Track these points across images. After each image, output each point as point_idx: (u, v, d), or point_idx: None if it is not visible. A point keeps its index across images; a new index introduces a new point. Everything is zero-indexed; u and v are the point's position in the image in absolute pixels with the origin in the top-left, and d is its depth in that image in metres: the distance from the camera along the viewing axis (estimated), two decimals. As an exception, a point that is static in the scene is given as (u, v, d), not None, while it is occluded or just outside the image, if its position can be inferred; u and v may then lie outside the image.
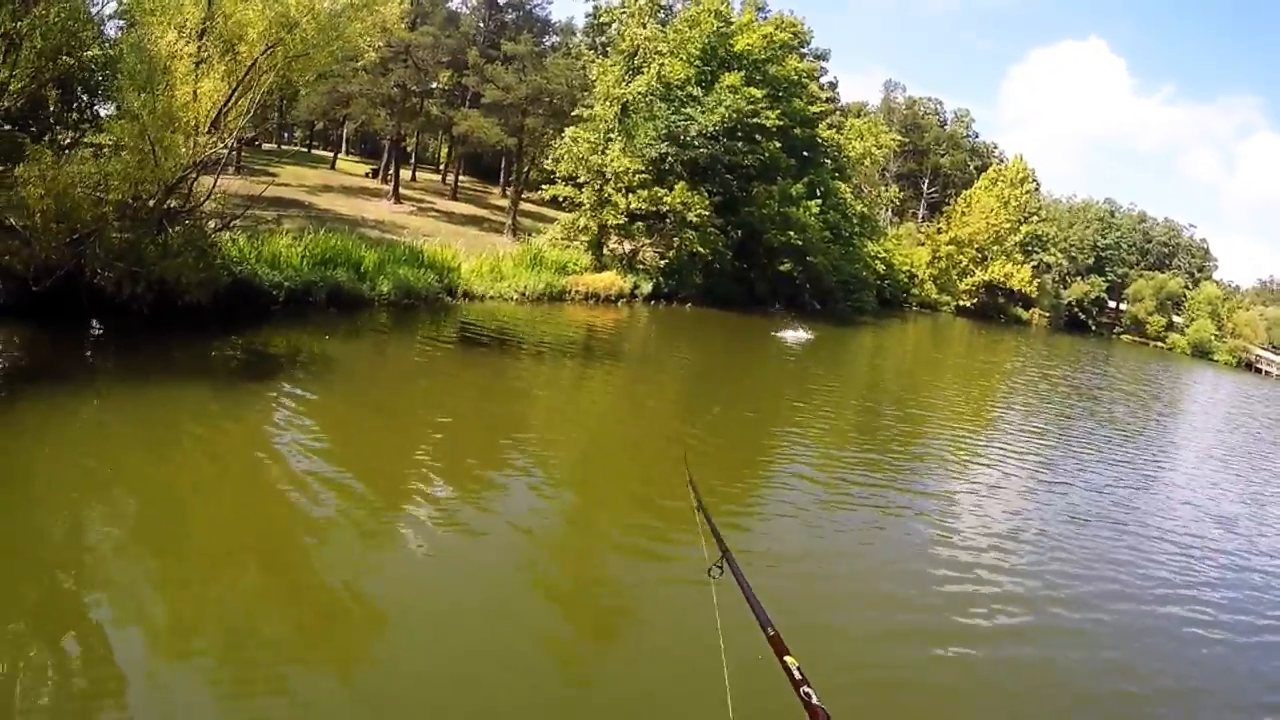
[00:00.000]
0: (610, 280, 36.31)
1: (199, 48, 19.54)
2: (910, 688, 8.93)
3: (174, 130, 18.16)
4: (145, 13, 18.99)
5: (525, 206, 52.35)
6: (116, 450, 11.59)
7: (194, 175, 19.56)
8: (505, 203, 51.01)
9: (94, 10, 20.77)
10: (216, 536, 9.65)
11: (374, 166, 59.83)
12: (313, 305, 22.42)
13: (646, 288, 38.82)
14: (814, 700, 1.39)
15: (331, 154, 65.29)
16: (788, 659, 1.64)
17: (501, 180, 62.76)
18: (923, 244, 79.83)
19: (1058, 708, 9.10)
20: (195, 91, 19.22)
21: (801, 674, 1.53)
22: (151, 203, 18.45)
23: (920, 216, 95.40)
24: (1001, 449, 21.93)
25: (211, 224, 21.06)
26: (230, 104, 19.81)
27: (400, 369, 19.61)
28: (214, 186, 20.57)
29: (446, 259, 28.88)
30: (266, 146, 65.08)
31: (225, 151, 21.22)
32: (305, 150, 70.14)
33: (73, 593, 8.02)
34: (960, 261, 78.46)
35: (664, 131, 39.95)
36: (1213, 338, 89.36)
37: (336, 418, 14.72)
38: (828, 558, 12.28)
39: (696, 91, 42.67)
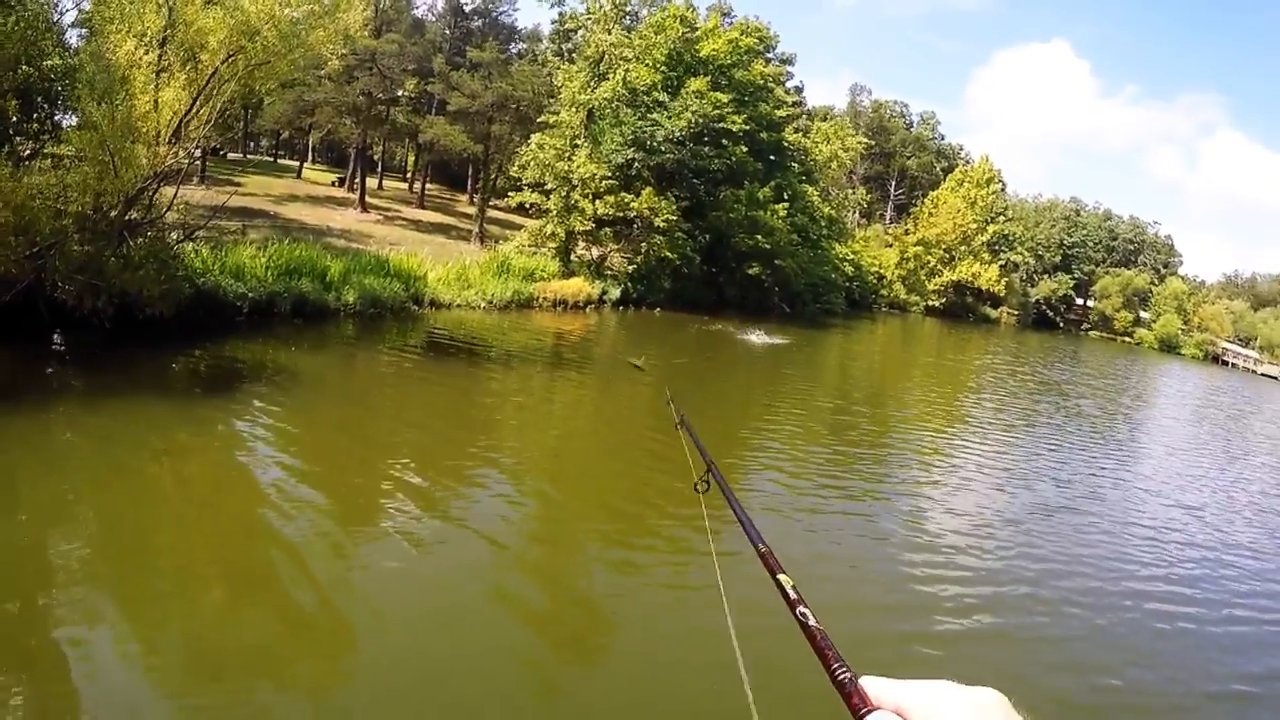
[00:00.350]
0: (578, 286, 36.28)
1: (159, 56, 19.42)
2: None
3: (134, 140, 17.96)
4: (104, 21, 18.85)
5: (493, 214, 52.24)
6: (79, 468, 11.43)
7: (155, 186, 19.41)
8: (473, 210, 50.96)
9: (54, 19, 20.63)
10: (183, 554, 9.53)
11: (340, 175, 59.56)
12: (277, 316, 22.26)
13: (615, 293, 38.84)
14: (811, 621, 1.30)
15: (298, 163, 64.85)
16: (781, 577, 1.56)
17: (469, 188, 62.67)
18: (891, 245, 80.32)
19: (1030, 690, 9.09)
20: (156, 101, 19.04)
21: (797, 593, 1.45)
22: (113, 214, 18.29)
23: (888, 218, 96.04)
24: (971, 444, 22.28)
25: (174, 235, 20.93)
26: (191, 113, 19.66)
27: (368, 379, 19.52)
28: (175, 197, 20.36)
29: (412, 268, 28.77)
30: (232, 156, 64.61)
31: (186, 162, 21.06)
32: (271, 160, 69.64)
33: (37, 613, 7.90)
34: (928, 262, 79.05)
35: (630, 137, 40.04)
36: (1180, 332, 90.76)
37: (304, 430, 14.63)
38: (797, 558, 12.17)
39: (663, 97, 42.85)
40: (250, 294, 21.69)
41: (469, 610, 9.21)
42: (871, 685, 1.00)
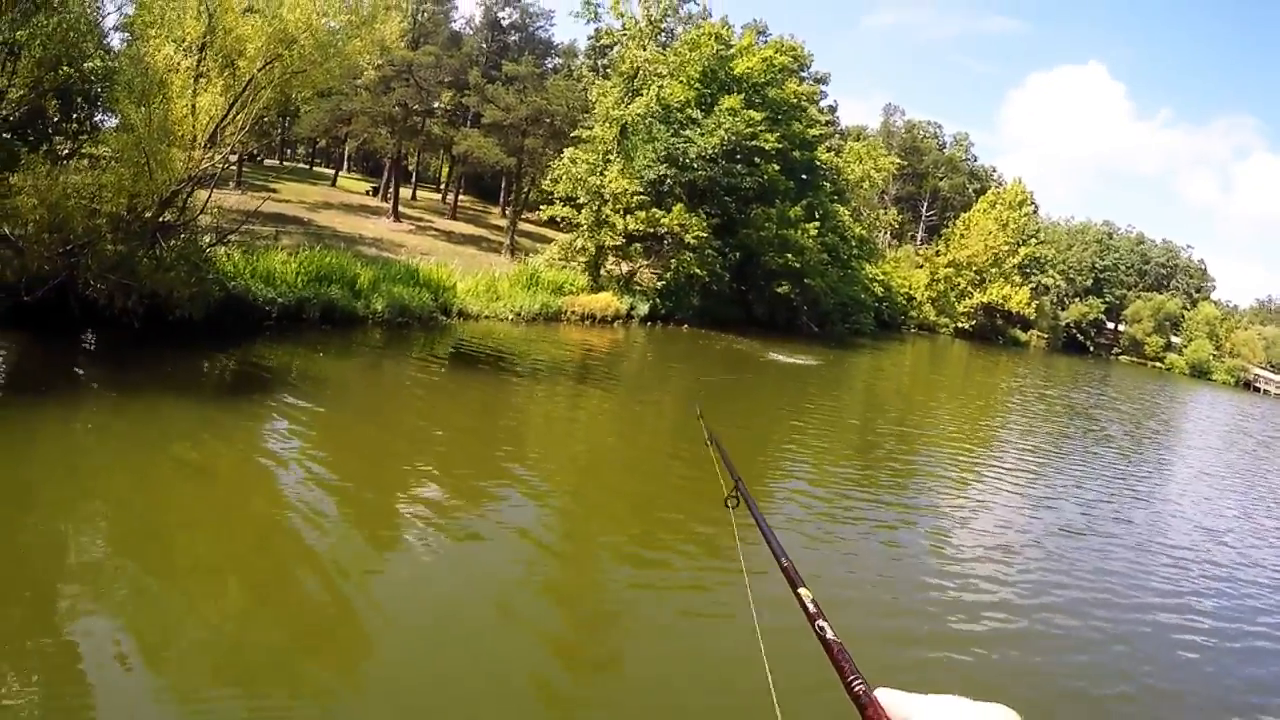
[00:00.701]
0: (606, 301, 36.24)
1: (198, 62, 19.66)
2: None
3: (169, 144, 18.16)
4: (144, 25, 19.10)
5: (524, 227, 52.48)
6: (104, 466, 11.49)
7: (189, 189, 19.61)
8: (504, 223, 51.19)
9: (96, 21, 20.92)
10: (201, 556, 9.48)
11: (375, 185, 59.94)
12: (306, 322, 22.36)
13: (643, 309, 38.74)
14: (829, 634, 1.32)
15: (333, 171, 65.42)
16: (801, 591, 1.59)
17: (501, 200, 62.97)
18: (921, 266, 79.97)
19: (1047, 707, 9.17)
20: (194, 105, 19.31)
21: (817, 607, 1.48)
22: (146, 215, 18.47)
23: (919, 239, 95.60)
24: (996, 467, 22.00)
25: (207, 238, 21.12)
26: (228, 119, 19.86)
27: (393, 388, 19.49)
28: (208, 200, 20.53)
29: (442, 278, 28.80)
30: (269, 163, 65.40)
31: (221, 167, 21.24)
32: (307, 167, 70.35)
33: (49, 611, 7.84)
34: (958, 284, 78.63)
35: (663, 153, 40.09)
36: (1211, 357, 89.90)
37: (326, 437, 14.57)
38: (820, 573, 12.10)
39: (696, 114, 42.90)
40: (280, 299, 21.80)
41: (487, 622, 9.10)
42: (886, 697, 1.03)
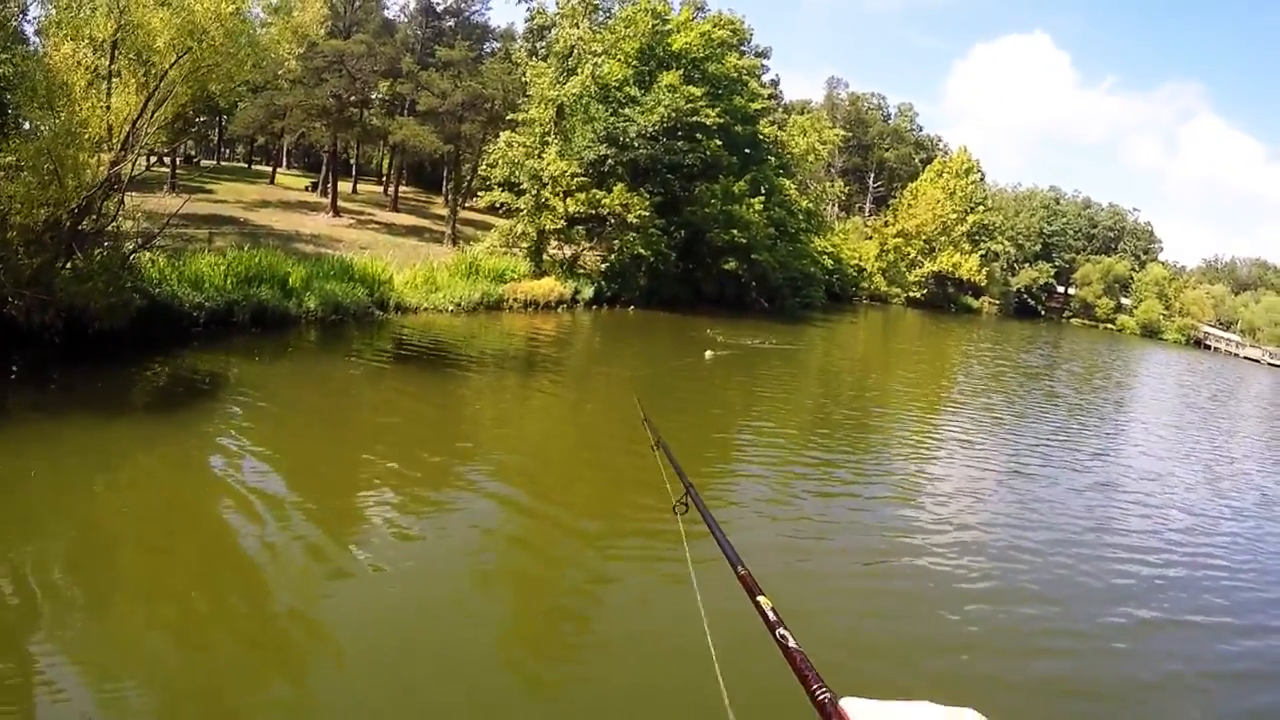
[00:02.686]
0: (549, 286, 35.78)
1: (110, 59, 18.99)
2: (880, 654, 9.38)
3: (78, 148, 17.47)
4: (50, 25, 18.42)
5: (468, 215, 51.85)
6: (29, 493, 10.99)
7: (105, 195, 18.89)
8: (447, 212, 50.44)
9: (13, 25, 20.08)
10: (151, 574, 9.35)
11: (314, 180, 58.83)
12: (236, 326, 21.70)
13: (588, 292, 38.28)
14: (791, 643, 1.26)
15: (271, 169, 64.13)
16: (761, 599, 1.54)
17: (444, 190, 62.10)
18: (870, 238, 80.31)
19: (1009, 661, 9.74)
20: (109, 106, 18.67)
21: (776, 615, 1.42)
22: (61, 225, 17.78)
23: (867, 210, 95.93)
24: (959, 430, 22.92)
25: (129, 245, 20.42)
26: (142, 118, 19.18)
27: (331, 387, 18.98)
28: (119, 206, 19.76)
29: (377, 271, 28.24)
30: (206, 163, 63.96)
31: (141, 169, 20.55)
32: (246, 166, 68.84)
33: (5, 636, 7.61)
34: (908, 253, 79.12)
35: (602, 133, 39.63)
36: (1161, 317, 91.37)
37: (265, 442, 14.13)
38: (793, 548, 12.38)
39: (635, 92, 42.41)
40: (207, 303, 21.15)
41: (447, 625, 9.04)
42: (852, 706, 1.03)
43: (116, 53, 19.24)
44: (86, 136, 17.82)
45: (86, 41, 18.24)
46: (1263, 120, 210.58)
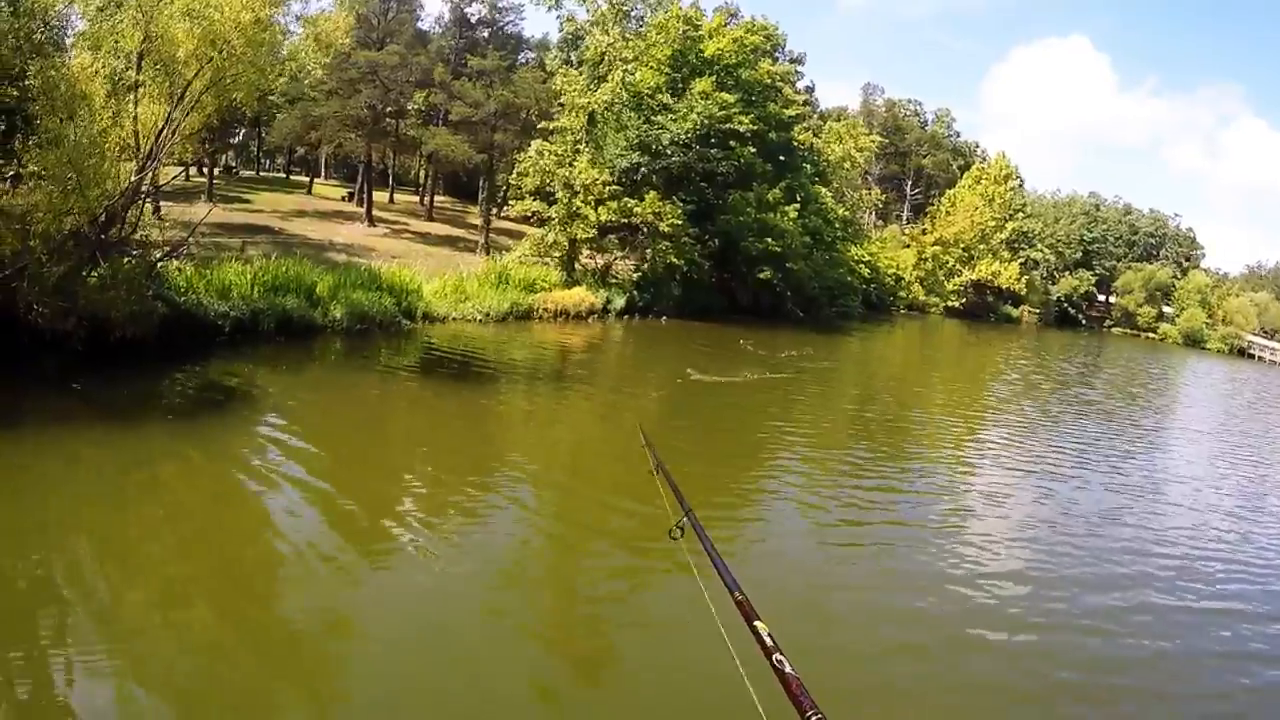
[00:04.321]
0: (580, 296, 35.41)
1: (137, 70, 19.03)
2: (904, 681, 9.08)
3: (100, 158, 17.39)
4: (80, 37, 18.47)
5: (503, 225, 51.85)
6: (52, 499, 10.82)
7: (125, 204, 18.79)
8: (480, 222, 50.42)
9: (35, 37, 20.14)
10: (177, 581, 9.18)
11: (350, 190, 59.19)
12: (261, 335, 21.53)
13: (619, 302, 37.85)
14: (787, 668, 1.35)
15: (309, 179, 64.62)
16: (758, 624, 1.58)
17: (480, 200, 62.18)
18: (908, 246, 79.19)
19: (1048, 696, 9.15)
20: (136, 115, 18.68)
21: (773, 640, 1.49)
22: (85, 233, 17.71)
23: (904, 219, 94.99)
24: (998, 443, 22.49)
25: (156, 254, 20.38)
26: (166, 129, 19.15)
27: (352, 396, 18.69)
28: (143, 215, 19.67)
29: (405, 281, 28.03)
30: (245, 174, 64.71)
31: (158, 179, 20.53)
32: (284, 176, 69.46)
33: (12, 648, 7.45)
34: (947, 262, 77.99)
35: (635, 141, 39.35)
36: (1204, 326, 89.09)
37: (283, 452, 13.83)
38: (821, 564, 12.25)
39: (667, 99, 42.07)
40: (232, 312, 21.00)
41: (473, 634, 8.99)
42: None
43: (143, 63, 19.30)
44: (108, 146, 17.76)
45: (109, 51, 18.29)
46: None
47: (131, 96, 19.23)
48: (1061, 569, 12.96)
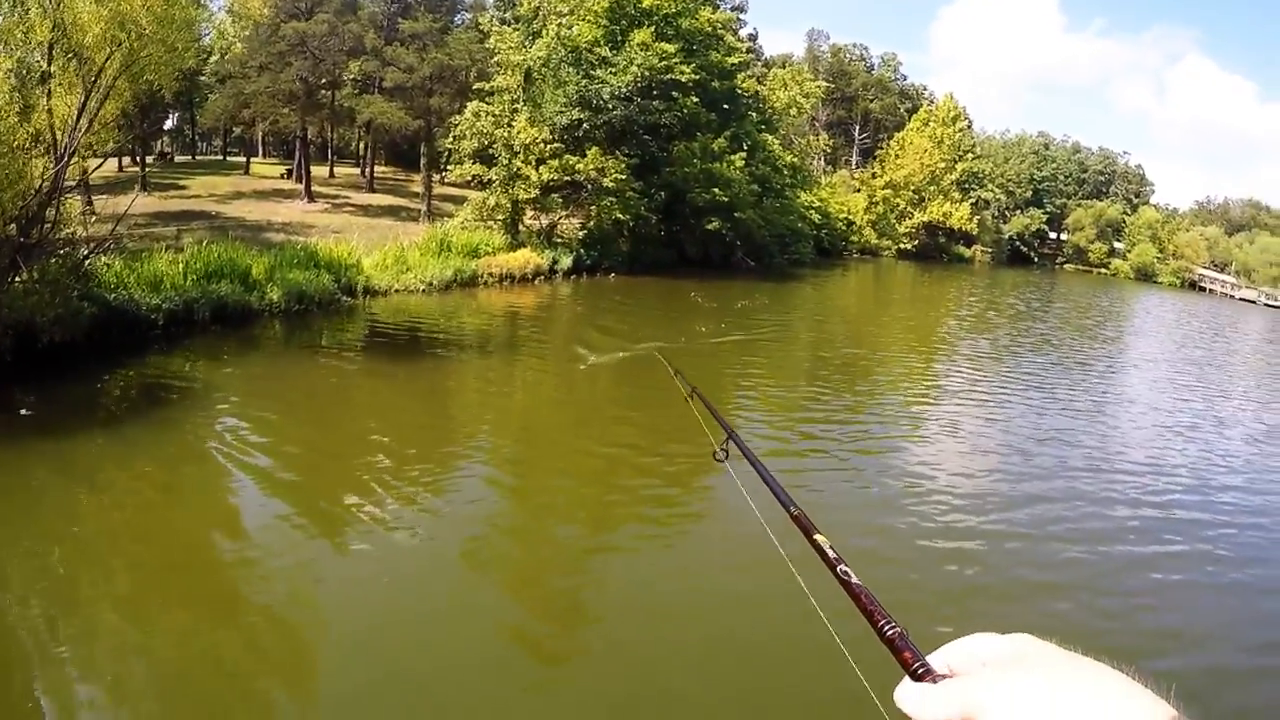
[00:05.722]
0: (525, 258, 34.95)
1: (47, 62, 18.28)
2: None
3: (9, 157, 16.65)
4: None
5: (447, 191, 51.12)
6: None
7: (41, 203, 18.07)
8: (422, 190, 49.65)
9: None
10: (137, 582, 9.16)
11: (289, 167, 57.96)
12: (196, 325, 20.91)
13: (566, 262, 37.35)
14: (854, 579, 1.21)
15: (245, 159, 63.20)
16: (818, 537, 1.45)
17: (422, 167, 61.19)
18: (858, 190, 79.46)
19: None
20: (50, 109, 17.99)
21: (835, 552, 1.35)
22: (5, 237, 17.02)
23: (853, 163, 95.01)
24: (961, 379, 23.74)
25: (83, 251, 19.71)
26: (81, 119, 18.45)
27: (302, 382, 18.22)
28: (60, 211, 18.86)
29: (343, 256, 27.45)
30: (181, 159, 63.14)
31: (80, 173, 19.80)
32: (221, 158, 67.92)
33: None
34: (897, 205, 78.37)
35: (574, 97, 38.81)
36: (1155, 260, 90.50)
37: (231, 444, 13.44)
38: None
39: (606, 52, 41.46)
40: (164, 304, 20.37)
41: (447, 611, 9.00)
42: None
43: (53, 52, 18.57)
44: (17, 143, 17.05)
45: (18, 45, 17.59)
46: (1254, 59, 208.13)
47: (43, 89, 18.51)
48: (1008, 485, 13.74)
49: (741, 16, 67.15)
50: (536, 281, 35.05)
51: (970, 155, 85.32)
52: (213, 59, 52.72)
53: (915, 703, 0.89)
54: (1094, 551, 11.61)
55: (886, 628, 1.07)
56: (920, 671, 0.93)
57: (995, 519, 12.57)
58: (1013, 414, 19.96)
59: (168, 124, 61.96)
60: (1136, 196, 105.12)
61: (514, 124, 37.22)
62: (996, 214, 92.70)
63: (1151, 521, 13.17)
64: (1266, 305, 76.21)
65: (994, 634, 0.91)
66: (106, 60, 18.23)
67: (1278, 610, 10.72)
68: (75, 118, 18.39)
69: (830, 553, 1.37)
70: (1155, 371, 29.39)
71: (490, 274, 32.98)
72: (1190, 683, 8.11)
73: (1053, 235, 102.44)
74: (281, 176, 55.41)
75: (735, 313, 32.25)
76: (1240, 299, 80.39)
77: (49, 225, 18.41)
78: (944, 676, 0.90)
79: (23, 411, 14.39)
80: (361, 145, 65.82)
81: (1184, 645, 9.40)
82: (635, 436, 15.41)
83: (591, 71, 40.15)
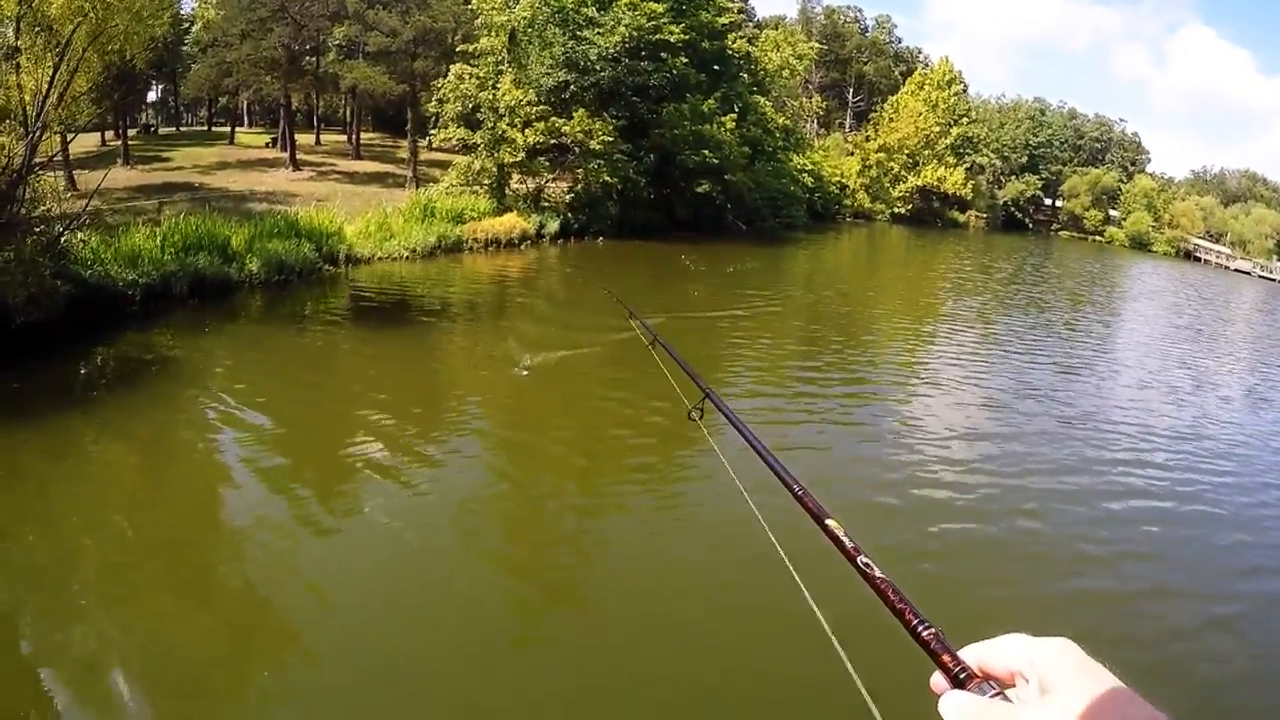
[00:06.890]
0: (511, 223, 34.50)
1: (15, 36, 17.80)
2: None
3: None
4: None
5: (434, 156, 50.55)
6: None
7: (14, 180, 17.65)
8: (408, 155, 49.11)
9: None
10: (123, 566, 8.95)
11: (274, 136, 57.23)
12: (175, 299, 20.43)
13: (553, 226, 36.92)
14: (877, 572, 1.08)
15: (230, 129, 62.38)
16: (829, 523, 1.27)
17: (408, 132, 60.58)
18: (852, 154, 78.91)
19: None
20: (19, 84, 17.53)
21: (852, 540, 1.19)
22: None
23: (847, 126, 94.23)
24: (956, 341, 24.30)
25: (58, 228, 19.26)
26: (51, 94, 17.99)
27: (285, 354, 17.91)
28: (26, 190, 18.42)
29: (324, 224, 26.94)
30: (166, 131, 62.38)
31: (62, 147, 19.42)
32: (206, 129, 67.07)
33: None
34: (892, 168, 77.90)
35: (561, 59, 38.22)
36: (1150, 229, 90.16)
37: (219, 421, 13.23)
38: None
39: (593, 12, 40.74)
40: (142, 279, 19.90)
41: (442, 581, 8.97)
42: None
43: (20, 26, 18.08)
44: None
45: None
46: (1254, 30, 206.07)
47: (11, 64, 18.05)
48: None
49: (732, -26, 66.25)
50: (523, 246, 34.63)
51: (965, 120, 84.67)
52: (195, 28, 51.96)
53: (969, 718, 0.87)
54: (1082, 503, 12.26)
55: (922, 629, 0.98)
56: (962, 677, 0.89)
57: (982, 474, 13.13)
58: (997, 372, 20.83)
59: (150, 96, 61.14)
60: (1132, 164, 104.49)
61: (499, 86, 36.64)
62: (991, 179, 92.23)
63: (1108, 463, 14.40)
64: (1261, 277, 75.94)
65: (1029, 636, 0.88)
66: (74, 32, 17.74)
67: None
68: (44, 92, 17.94)
69: (847, 541, 1.20)
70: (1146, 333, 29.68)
71: (476, 239, 32.55)
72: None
73: (1048, 202, 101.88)
74: (266, 146, 54.64)
75: (726, 276, 32.11)
76: (1235, 269, 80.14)
77: (22, 203, 18.02)
78: (980, 679, 0.88)
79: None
80: (347, 112, 65.11)
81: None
82: (623, 398, 15.57)
83: (578, 32, 39.50)
